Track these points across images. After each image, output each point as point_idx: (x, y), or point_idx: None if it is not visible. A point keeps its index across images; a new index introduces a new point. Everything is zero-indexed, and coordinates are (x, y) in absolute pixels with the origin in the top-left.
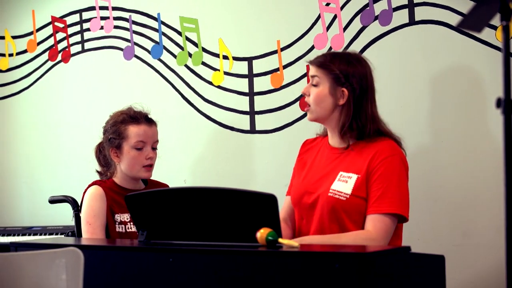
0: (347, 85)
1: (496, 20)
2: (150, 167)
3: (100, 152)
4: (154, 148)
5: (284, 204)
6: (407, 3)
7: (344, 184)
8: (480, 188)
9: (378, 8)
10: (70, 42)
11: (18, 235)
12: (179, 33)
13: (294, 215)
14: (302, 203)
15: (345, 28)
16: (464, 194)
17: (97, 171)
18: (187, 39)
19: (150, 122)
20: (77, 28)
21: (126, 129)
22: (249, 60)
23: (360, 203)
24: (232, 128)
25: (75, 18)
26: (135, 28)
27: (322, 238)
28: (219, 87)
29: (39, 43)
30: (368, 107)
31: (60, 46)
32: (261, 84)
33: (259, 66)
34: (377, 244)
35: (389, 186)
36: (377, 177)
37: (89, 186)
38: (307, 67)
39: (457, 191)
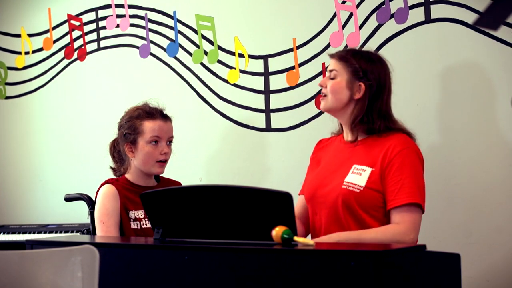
0: (365, 80)
1: None
2: (163, 162)
3: (115, 149)
4: (168, 144)
5: (297, 203)
6: (423, 1)
7: (358, 176)
8: (496, 186)
9: (394, 6)
10: (86, 40)
11: (34, 232)
12: (195, 31)
13: (308, 213)
14: (316, 197)
15: (361, 26)
16: (480, 191)
17: (111, 167)
18: (203, 37)
19: (166, 117)
20: (93, 26)
21: (142, 124)
22: (265, 58)
23: (375, 196)
24: (247, 126)
25: (91, 16)
26: (151, 26)
27: (350, 235)
28: (234, 85)
29: (55, 41)
30: (382, 105)
31: (76, 44)
32: (276, 82)
33: (274, 64)
34: (407, 238)
35: (407, 178)
36: (394, 170)
37: (102, 185)
38: (323, 65)
39: (473, 189)
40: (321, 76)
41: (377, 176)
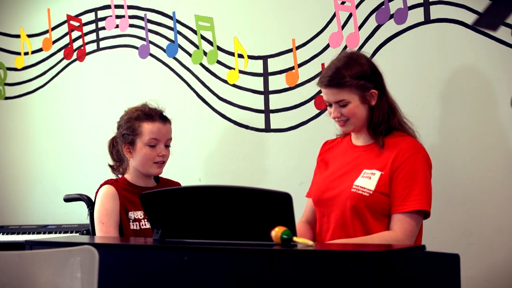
0: (372, 85)
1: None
2: (162, 163)
3: (113, 147)
4: (167, 146)
5: (306, 207)
6: (422, 1)
7: (367, 180)
8: (496, 186)
9: (393, 6)
10: (86, 41)
11: (33, 233)
12: (194, 32)
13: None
14: (323, 200)
15: (360, 27)
16: (480, 192)
17: (110, 165)
18: (202, 37)
19: (165, 119)
20: (92, 26)
21: (140, 126)
22: (264, 58)
23: (383, 200)
24: (247, 127)
25: (91, 16)
26: (150, 26)
27: (346, 242)
28: (234, 85)
29: (54, 42)
30: (389, 97)
31: (76, 44)
32: (276, 82)
33: (274, 64)
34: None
35: (415, 185)
36: (403, 176)
37: (101, 185)
38: (323, 65)
39: (473, 189)
40: None
41: (386, 180)
